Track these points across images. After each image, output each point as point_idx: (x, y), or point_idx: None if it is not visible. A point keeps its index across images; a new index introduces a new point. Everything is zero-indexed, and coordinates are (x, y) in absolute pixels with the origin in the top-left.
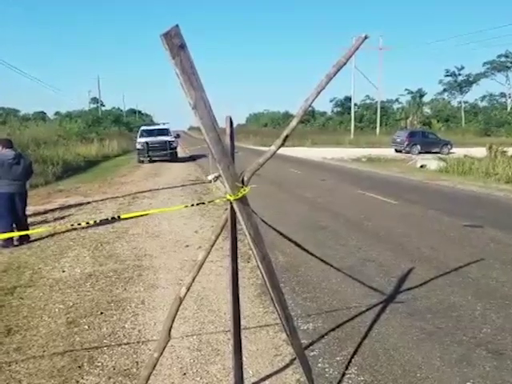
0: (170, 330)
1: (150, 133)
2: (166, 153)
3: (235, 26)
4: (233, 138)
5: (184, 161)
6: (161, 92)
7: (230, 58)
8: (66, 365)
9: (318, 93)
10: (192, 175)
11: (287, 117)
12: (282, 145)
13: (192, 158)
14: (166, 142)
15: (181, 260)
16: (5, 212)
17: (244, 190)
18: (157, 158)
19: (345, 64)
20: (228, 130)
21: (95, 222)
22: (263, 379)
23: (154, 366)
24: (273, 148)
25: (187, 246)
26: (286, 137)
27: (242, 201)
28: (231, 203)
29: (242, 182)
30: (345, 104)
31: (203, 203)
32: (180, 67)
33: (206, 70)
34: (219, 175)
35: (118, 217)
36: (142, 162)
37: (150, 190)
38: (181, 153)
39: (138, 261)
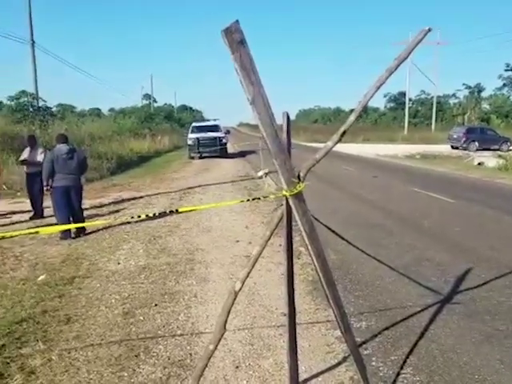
0: (225, 323)
1: (200, 129)
2: (216, 149)
3: (285, 25)
4: (289, 133)
5: (233, 157)
6: (211, 88)
7: (280, 55)
8: (122, 354)
9: (378, 87)
10: (241, 171)
11: (338, 113)
12: (339, 140)
13: (241, 154)
14: (216, 138)
15: (232, 255)
16: (61, 205)
17: (300, 186)
18: (207, 154)
19: (406, 58)
20: (285, 126)
21: (154, 214)
22: (315, 376)
23: (209, 358)
24: (329, 144)
25: (238, 241)
26: (344, 132)
27: (298, 197)
28: (287, 199)
29: (298, 177)
30: (399, 99)
31: (259, 198)
32: (239, 63)
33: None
34: (269, 171)
35: (176, 210)
36: (193, 157)
37: (201, 186)
38: (230, 149)
39: (189, 255)
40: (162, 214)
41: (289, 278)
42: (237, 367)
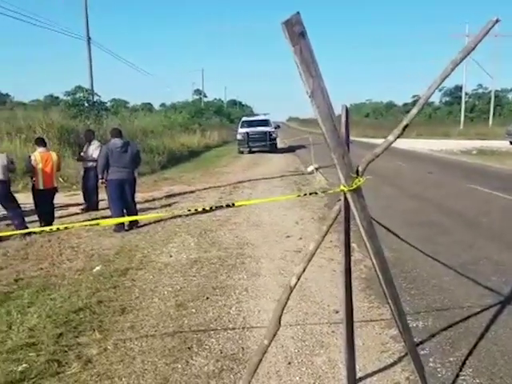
0: (279, 319)
1: (250, 123)
2: (265, 143)
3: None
4: (348, 127)
5: (283, 152)
6: (261, 83)
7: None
8: (176, 345)
9: (443, 80)
10: (291, 166)
11: (390, 107)
12: (401, 134)
13: (291, 149)
14: (266, 132)
15: (282, 250)
16: (115, 198)
17: (359, 181)
18: (256, 149)
19: (473, 49)
20: (343, 120)
21: (211, 208)
22: (370, 375)
23: (264, 353)
24: (390, 138)
25: (288, 236)
26: (406, 126)
27: (357, 192)
28: (345, 194)
29: (357, 172)
30: (454, 93)
31: (316, 193)
32: (299, 56)
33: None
34: (319, 167)
35: (233, 204)
36: (242, 152)
37: (250, 180)
38: (280, 143)
39: (240, 249)
40: (218, 208)
41: (346, 275)
42: (289, 363)
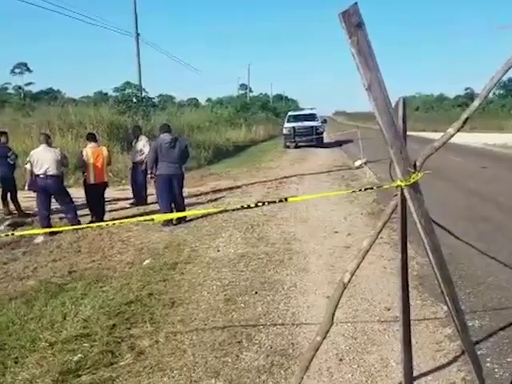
0: (333, 315)
1: (296, 118)
2: (311, 138)
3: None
4: (405, 121)
5: (329, 146)
6: (307, 78)
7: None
8: (225, 339)
9: (506, 71)
10: (338, 161)
11: (441, 100)
12: (462, 127)
13: (338, 144)
14: (312, 127)
15: (330, 246)
16: (164, 193)
17: (417, 176)
18: (303, 144)
19: None
20: (400, 113)
21: (263, 203)
22: (425, 374)
23: (317, 350)
24: (450, 131)
25: (336, 232)
26: (466, 119)
27: (414, 187)
28: (402, 189)
29: (414, 167)
30: (508, 86)
31: (371, 188)
32: (356, 47)
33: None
34: (367, 161)
35: (285, 199)
36: (288, 147)
37: (296, 175)
38: (326, 138)
39: (287, 244)
40: (270, 203)
41: (403, 272)
42: (340, 360)
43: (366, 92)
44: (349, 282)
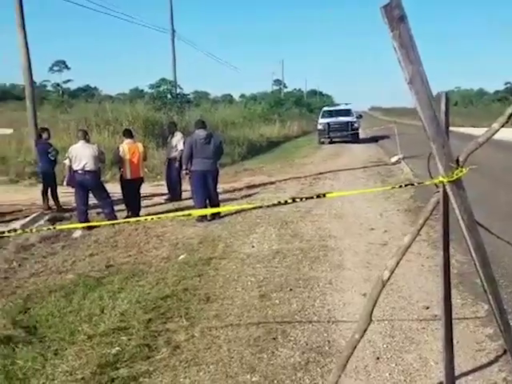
0: (371, 313)
1: (331, 113)
2: (347, 134)
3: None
4: (448, 115)
5: (365, 142)
6: (342, 72)
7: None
8: (261, 335)
9: None
10: (373, 157)
11: (481, 95)
12: (506, 122)
13: (373, 139)
14: (347, 122)
15: (366, 243)
16: (199, 188)
17: (460, 172)
18: (337, 139)
19: None
20: (443, 107)
21: (300, 199)
22: (465, 374)
23: (354, 348)
24: (495, 126)
25: (372, 228)
26: (511, 114)
27: (457, 183)
28: (444, 186)
29: (457, 163)
30: None
31: (412, 184)
32: (398, 40)
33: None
34: (403, 157)
35: (324, 195)
36: (323, 143)
37: (331, 171)
38: (361, 133)
39: (322, 241)
40: (308, 199)
41: (445, 270)
42: (378, 358)
43: (408, 86)
44: (388, 279)
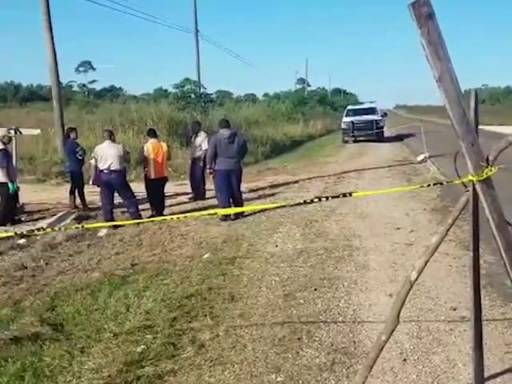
0: (398, 314)
1: (356, 112)
2: (371, 132)
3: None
4: (477, 113)
5: (390, 140)
6: (366, 71)
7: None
8: (285, 335)
9: None
10: (398, 155)
11: (508, 92)
12: None
13: (399, 138)
14: (372, 121)
15: (392, 242)
16: (223, 188)
17: (490, 171)
18: (362, 138)
19: None
20: (472, 105)
21: (327, 198)
22: (494, 376)
23: (381, 349)
24: None
25: (398, 228)
26: None
27: (486, 182)
28: (473, 185)
29: (487, 161)
30: None
31: (441, 183)
32: (427, 38)
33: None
34: (429, 156)
35: (350, 194)
36: (347, 141)
37: (356, 170)
38: (386, 132)
39: (347, 240)
40: (334, 197)
41: (474, 271)
42: (404, 360)
43: (437, 84)
44: (416, 280)
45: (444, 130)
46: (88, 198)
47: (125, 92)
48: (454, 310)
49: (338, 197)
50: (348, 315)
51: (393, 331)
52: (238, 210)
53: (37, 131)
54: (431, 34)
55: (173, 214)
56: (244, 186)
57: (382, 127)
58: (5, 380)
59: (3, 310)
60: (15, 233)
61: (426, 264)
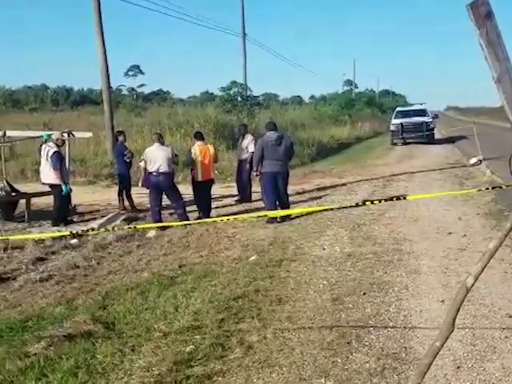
0: (454, 320)
1: (405, 114)
2: (421, 134)
3: None
4: None
5: (441, 143)
6: (415, 72)
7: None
8: (334, 339)
9: None
10: (450, 158)
11: None
12: None
13: (450, 140)
14: (422, 123)
15: (444, 247)
16: (269, 190)
17: None
18: (411, 140)
19: None
20: None
21: (379, 200)
22: None
23: (435, 356)
24: None
25: (450, 233)
26: None
27: None
28: None
29: None
30: None
31: (500, 187)
32: (485, 38)
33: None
34: (483, 159)
35: (404, 197)
36: (395, 144)
37: (405, 173)
38: (437, 134)
39: (396, 245)
40: (387, 200)
41: None
42: (458, 367)
43: (496, 85)
44: (472, 286)
45: (498, 133)
46: (136, 200)
47: (172, 95)
48: (510, 317)
49: (391, 199)
50: (399, 320)
51: (447, 338)
52: (286, 212)
53: (89, 134)
54: (490, 34)
55: (219, 216)
56: (290, 189)
57: (433, 129)
58: (59, 376)
59: (57, 307)
60: (71, 232)
61: (483, 270)
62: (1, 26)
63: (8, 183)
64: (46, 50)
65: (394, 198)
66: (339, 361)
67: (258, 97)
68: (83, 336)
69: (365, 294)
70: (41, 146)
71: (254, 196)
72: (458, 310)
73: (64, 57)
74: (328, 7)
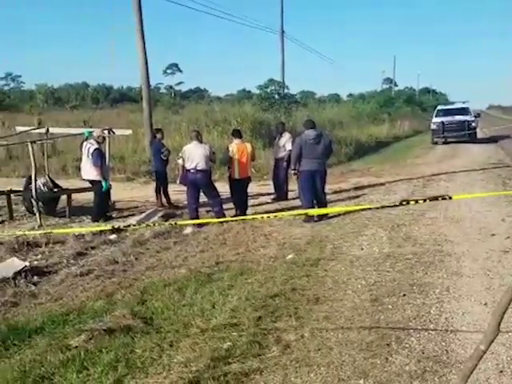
0: (499, 324)
1: (446, 112)
2: (463, 133)
3: None
4: None
5: (483, 142)
6: (457, 70)
7: None
8: (373, 340)
9: None
10: (493, 158)
11: None
12: None
13: (493, 139)
14: (464, 121)
15: (486, 249)
16: (306, 189)
17: None
18: (452, 139)
19: None
20: None
21: (424, 200)
22: None
23: (480, 359)
24: None
25: (493, 234)
26: None
27: None
28: None
29: None
30: None
31: None
32: None
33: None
34: None
35: (450, 197)
36: (436, 143)
37: (446, 173)
38: (479, 133)
39: (437, 246)
40: (432, 200)
41: None
42: (501, 371)
43: None
44: None
45: None
46: (173, 197)
47: (209, 93)
48: None
49: (436, 199)
50: (440, 323)
51: (492, 341)
52: (323, 211)
53: (129, 131)
54: None
55: (255, 213)
56: (327, 188)
57: (475, 128)
58: (99, 369)
59: (97, 302)
60: (112, 226)
61: None
62: (49, 25)
63: (50, 179)
64: (85, 48)
65: (440, 198)
66: (378, 362)
67: (295, 95)
68: (122, 330)
69: (405, 295)
70: (82, 142)
71: (290, 194)
72: (504, 313)
73: (104, 55)
74: (366, 5)
